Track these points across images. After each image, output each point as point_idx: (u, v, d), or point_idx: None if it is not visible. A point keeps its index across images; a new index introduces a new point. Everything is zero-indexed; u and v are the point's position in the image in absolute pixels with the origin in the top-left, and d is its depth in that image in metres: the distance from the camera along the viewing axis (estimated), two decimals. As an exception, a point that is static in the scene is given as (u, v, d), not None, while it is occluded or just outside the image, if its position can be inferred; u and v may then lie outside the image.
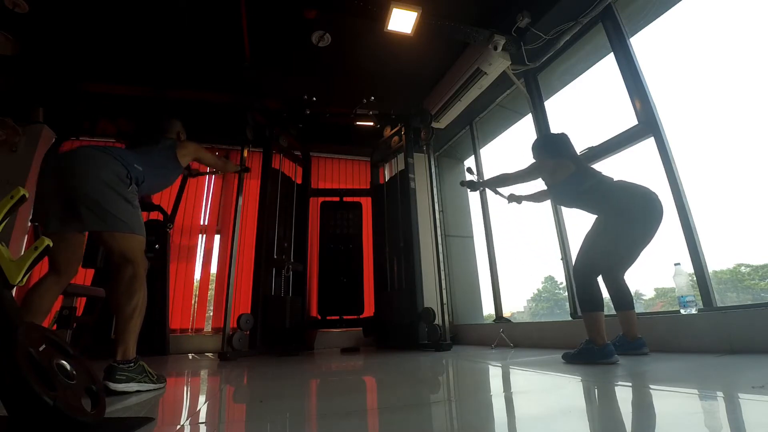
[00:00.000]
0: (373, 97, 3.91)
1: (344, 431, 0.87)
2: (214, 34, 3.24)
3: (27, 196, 0.90)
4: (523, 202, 2.55)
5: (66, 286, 1.65)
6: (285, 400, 1.30)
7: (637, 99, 2.51)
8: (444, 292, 3.53)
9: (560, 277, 5.16)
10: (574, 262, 2.03)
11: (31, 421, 0.78)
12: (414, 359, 2.49)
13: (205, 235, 4.36)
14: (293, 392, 1.48)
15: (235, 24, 3.06)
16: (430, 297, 3.74)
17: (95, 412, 0.89)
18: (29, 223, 3.49)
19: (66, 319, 2.75)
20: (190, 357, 3.47)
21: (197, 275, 4.23)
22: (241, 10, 2.93)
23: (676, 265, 2.18)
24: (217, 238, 4.41)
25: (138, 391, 1.45)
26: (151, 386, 1.51)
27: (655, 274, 2.84)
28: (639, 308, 2.37)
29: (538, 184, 2.37)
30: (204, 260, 4.29)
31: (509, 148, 4.33)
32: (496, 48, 3.03)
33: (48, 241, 0.89)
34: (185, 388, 1.75)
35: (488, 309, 4.25)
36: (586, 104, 3.49)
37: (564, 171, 2.06)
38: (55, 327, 2.76)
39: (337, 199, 4.43)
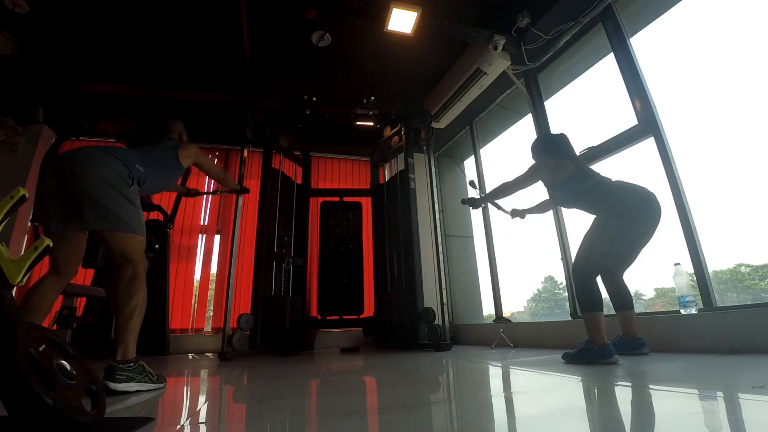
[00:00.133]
0: (373, 97, 3.91)
1: (344, 431, 0.87)
2: (214, 34, 3.24)
3: (27, 196, 0.90)
4: (526, 216, 2.53)
5: (66, 286, 1.65)
6: (285, 400, 1.30)
7: (637, 99, 2.51)
8: (444, 292, 3.53)
9: (560, 277, 5.16)
10: (573, 263, 2.03)
11: (31, 421, 0.77)
12: (414, 359, 2.49)
13: (205, 235, 4.36)
14: (293, 392, 1.48)
15: (235, 24, 3.06)
16: (430, 297, 3.74)
17: (95, 412, 0.89)
18: (29, 223, 3.49)
19: (66, 319, 2.75)
20: (190, 357, 3.47)
21: (197, 275, 4.23)
22: (241, 10, 2.93)
23: (676, 265, 2.18)
24: (217, 238, 4.41)
25: (138, 391, 1.45)
26: (151, 386, 1.51)
27: (655, 274, 2.84)
28: (639, 308, 2.37)
29: (539, 194, 2.36)
30: (204, 260, 4.30)
31: (509, 148, 4.34)
32: (496, 48, 3.03)
33: (48, 241, 0.89)
34: (185, 388, 1.75)
35: (488, 309, 4.25)
36: (586, 104, 3.49)
37: (564, 171, 2.07)
38: (55, 327, 2.76)
39: (337, 199, 4.43)
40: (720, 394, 1.08)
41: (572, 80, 3.38)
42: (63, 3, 2.84)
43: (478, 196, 2.47)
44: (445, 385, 1.59)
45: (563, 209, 3.02)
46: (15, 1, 2.73)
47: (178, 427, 0.98)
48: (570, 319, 2.84)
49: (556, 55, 3.19)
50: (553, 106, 3.38)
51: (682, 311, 2.09)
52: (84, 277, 3.59)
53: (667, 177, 2.26)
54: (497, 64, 3.17)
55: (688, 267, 2.15)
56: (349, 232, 4.31)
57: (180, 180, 3.83)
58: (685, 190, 2.21)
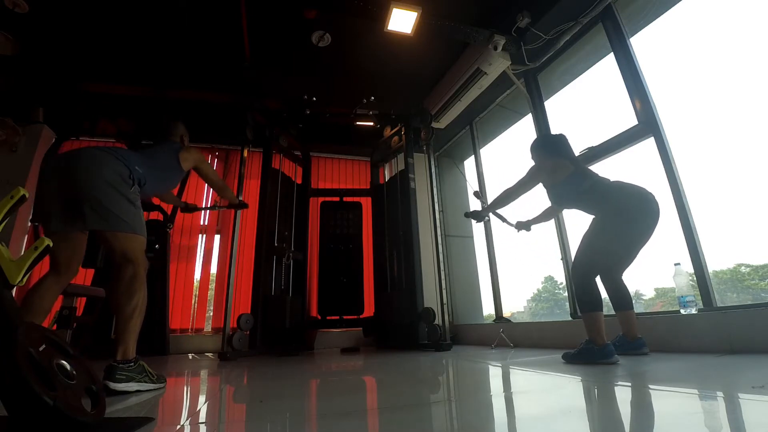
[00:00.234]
0: (373, 97, 3.91)
1: (344, 431, 0.87)
2: (214, 34, 3.24)
3: (27, 196, 0.90)
4: (532, 227, 2.50)
5: (66, 286, 1.65)
6: (285, 400, 1.30)
7: (637, 99, 2.51)
8: (444, 292, 3.53)
9: (560, 277, 5.16)
10: (572, 263, 2.03)
11: (31, 421, 0.78)
12: (414, 359, 2.49)
13: (205, 235, 4.36)
14: (293, 392, 1.48)
15: (235, 24, 3.06)
16: (430, 297, 3.74)
17: (95, 412, 0.89)
18: (29, 223, 3.49)
19: (66, 319, 2.75)
20: (190, 357, 3.47)
21: (197, 275, 4.23)
22: (241, 10, 2.93)
23: (676, 265, 2.18)
24: (217, 238, 4.41)
25: (138, 391, 1.46)
26: (151, 386, 1.51)
27: (655, 274, 2.84)
28: (639, 308, 2.37)
29: (539, 197, 2.35)
30: (204, 260, 4.30)
31: (509, 148, 4.34)
32: (496, 48, 3.03)
33: (48, 241, 0.89)
34: (185, 388, 1.75)
35: (488, 309, 4.25)
36: (586, 104, 3.49)
37: (563, 171, 2.07)
38: (55, 327, 2.76)
39: (337, 199, 4.43)
40: (720, 394, 1.08)
41: (572, 80, 3.38)
42: (63, 3, 2.84)
43: (484, 207, 2.41)
44: (445, 385, 1.59)
45: (562, 208, 3.02)
46: (15, 1, 2.73)
47: (178, 427, 0.98)
48: (570, 319, 2.84)
49: (556, 55, 3.19)
50: (553, 106, 3.38)
51: (682, 311, 2.09)
52: (84, 277, 3.59)
53: (667, 177, 2.26)
54: (497, 64, 3.17)
55: (688, 267, 2.15)
56: (349, 232, 4.31)
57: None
58: (685, 190, 2.21)
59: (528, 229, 2.51)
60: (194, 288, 4.20)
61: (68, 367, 0.89)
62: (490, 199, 2.49)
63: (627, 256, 1.99)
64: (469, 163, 4.92)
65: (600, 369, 1.60)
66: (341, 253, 4.23)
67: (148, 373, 1.53)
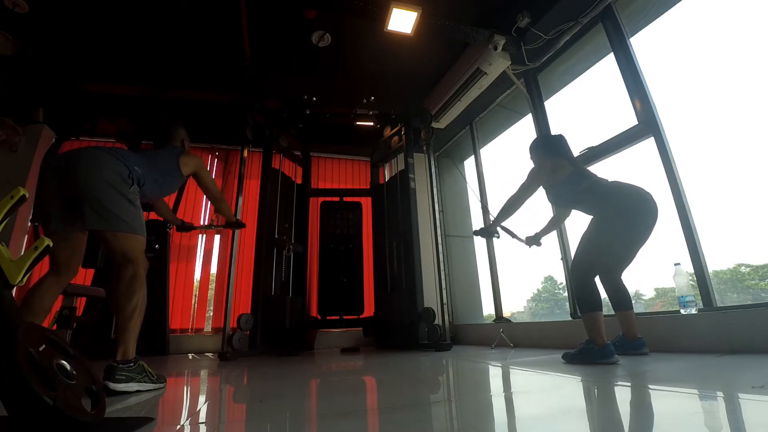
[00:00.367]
0: (373, 97, 3.91)
1: (344, 431, 0.87)
2: (214, 34, 3.24)
3: (27, 196, 0.90)
4: (542, 239, 2.46)
5: (66, 286, 1.65)
6: (285, 400, 1.30)
7: (637, 99, 2.51)
8: (444, 292, 3.53)
9: (560, 277, 5.16)
10: (571, 263, 2.03)
11: (31, 421, 0.78)
12: (414, 359, 2.49)
13: (205, 235, 4.36)
14: (293, 392, 1.48)
15: (235, 24, 3.06)
16: (430, 297, 3.74)
17: (95, 412, 0.89)
18: (29, 223, 3.48)
19: (66, 319, 2.75)
20: (190, 357, 3.47)
21: (197, 275, 4.23)
22: (241, 10, 2.93)
23: (676, 265, 2.18)
24: (217, 238, 4.41)
25: (138, 391, 1.46)
26: (151, 386, 1.51)
27: (655, 274, 2.83)
28: (639, 308, 2.37)
29: (547, 213, 2.32)
30: (204, 260, 4.30)
31: (509, 148, 4.33)
32: (496, 48, 3.03)
33: (48, 241, 0.89)
34: (185, 388, 1.75)
35: (488, 309, 4.25)
36: (586, 104, 3.49)
37: (562, 171, 2.08)
38: (55, 327, 2.76)
39: (337, 199, 4.43)
40: (720, 394, 1.08)
41: (572, 80, 3.38)
42: (63, 3, 2.84)
43: (491, 221, 2.33)
44: (445, 385, 1.59)
45: (561, 208, 3.02)
46: (15, 1, 2.73)
47: (178, 427, 0.98)
48: (570, 319, 2.84)
49: (556, 55, 3.19)
50: (553, 106, 3.38)
51: (682, 311, 2.09)
52: (84, 277, 3.59)
53: (667, 177, 2.26)
54: (497, 64, 3.17)
55: (688, 267, 2.15)
56: (349, 232, 4.31)
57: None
58: (685, 190, 2.21)
59: (539, 243, 2.45)
60: (194, 288, 4.20)
61: (68, 367, 0.89)
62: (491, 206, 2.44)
63: (626, 256, 1.99)
64: (469, 163, 4.93)
65: (600, 369, 1.60)
66: (341, 253, 4.23)
67: (148, 373, 1.53)
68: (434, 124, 4.03)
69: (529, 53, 3.18)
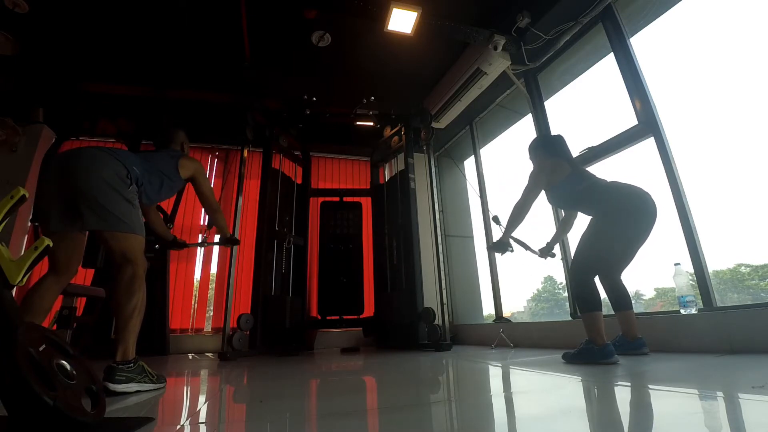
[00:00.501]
0: (373, 97, 3.91)
1: (344, 431, 0.87)
2: (214, 34, 3.24)
3: (27, 196, 0.90)
4: (555, 247, 2.43)
5: (66, 286, 1.65)
6: (285, 400, 1.30)
7: (637, 99, 2.51)
8: (444, 292, 3.53)
9: (560, 277, 5.16)
10: (570, 263, 2.03)
11: (31, 421, 0.77)
12: (414, 359, 2.49)
13: (205, 236, 4.36)
14: (293, 392, 1.48)
15: (235, 24, 3.06)
16: (430, 297, 3.74)
17: (95, 412, 0.89)
18: (29, 223, 3.48)
19: (66, 319, 2.75)
20: (190, 357, 3.47)
21: (197, 275, 4.23)
22: (241, 10, 2.93)
23: (676, 265, 2.18)
24: (217, 238, 4.39)
25: (138, 392, 1.46)
26: (151, 386, 1.51)
27: (655, 274, 2.83)
28: (639, 308, 2.36)
29: (546, 216, 2.28)
30: (204, 260, 4.30)
31: (509, 148, 4.33)
32: (496, 48, 3.03)
33: (48, 241, 0.89)
34: (185, 388, 1.75)
35: (488, 309, 4.25)
36: (586, 104, 3.49)
37: (561, 171, 2.08)
38: (55, 327, 2.76)
39: (337, 199, 4.43)
40: (720, 394, 1.08)
41: (572, 80, 3.38)
42: (63, 3, 2.84)
43: (501, 233, 2.25)
44: (445, 385, 1.59)
45: (562, 210, 3.02)
46: (15, 1, 2.73)
47: (178, 427, 0.98)
48: (570, 319, 2.84)
49: (556, 55, 3.19)
50: (553, 106, 3.38)
51: (682, 311, 2.09)
52: (84, 277, 3.59)
53: (667, 177, 2.26)
54: (497, 64, 3.17)
55: (688, 267, 2.15)
56: (349, 232, 4.31)
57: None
58: (685, 190, 2.21)
59: (553, 255, 2.43)
60: (194, 288, 4.20)
61: (68, 367, 0.89)
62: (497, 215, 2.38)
63: (625, 256, 1.99)
64: (469, 163, 4.92)
65: (600, 369, 1.60)
66: (341, 253, 4.23)
67: (148, 373, 1.53)
68: (434, 124, 4.03)
69: (529, 53, 3.18)
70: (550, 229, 3.09)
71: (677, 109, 2.53)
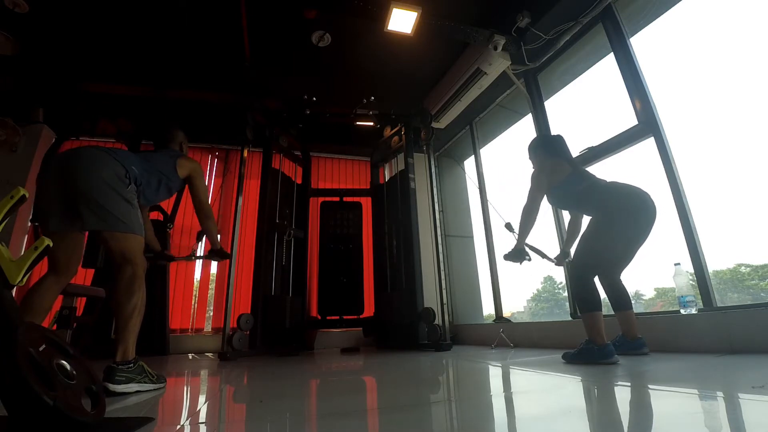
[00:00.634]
0: (373, 97, 3.91)
1: (344, 431, 0.87)
2: (214, 34, 3.24)
3: (27, 196, 0.90)
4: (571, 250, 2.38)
5: (66, 286, 1.65)
6: (285, 400, 1.30)
7: (637, 99, 2.51)
8: (444, 292, 3.53)
9: (560, 277, 5.16)
10: (570, 263, 2.03)
11: (31, 421, 0.77)
12: (414, 359, 2.49)
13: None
14: (293, 392, 1.48)
15: (235, 24, 3.06)
16: (430, 297, 3.74)
17: (95, 412, 0.89)
18: (29, 223, 3.49)
19: (66, 319, 2.75)
20: (190, 357, 3.47)
21: (197, 275, 4.23)
22: (241, 10, 2.93)
23: (676, 265, 2.18)
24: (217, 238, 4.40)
25: (138, 392, 1.46)
26: (151, 386, 1.51)
27: (655, 274, 2.83)
28: (639, 308, 2.36)
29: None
30: (204, 260, 4.29)
31: (509, 148, 4.33)
32: (496, 48, 3.03)
33: (48, 241, 0.89)
34: (185, 388, 1.75)
35: (488, 309, 4.25)
36: (586, 104, 3.49)
37: (561, 171, 2.09)
38: (55, 327, 2.76)
39: (337, 199, 4.43)
40: (720, 394, 1.08)
41: (572, 80, 3.38)
42: (63, 3, 2.84)
43: (515, 240, 2.18)
44: (445, 385, 1.59)
45: (562, 210, 3.02)
46: (15, 1, 2.73)
47: (178, 427, 0.98)
48: (570, 319, 2.84)
49: (556, 55, 3.19)
50: (553, 106, 3.38)
51: (682, 311, 2.09)
52: (84, 277, 3.59)
53: (667, 177, 2.26)
54: (497, 64, 3.17)
55: (688, 267, 2.14)
56: (349, 232, 4.31)
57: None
58: (685, 190, 2.21)
59: (570, 260, 2.39)
60: (194, 288, 4.20)
61: (68, 367, 0.89)
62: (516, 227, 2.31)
63: (625, 256, 1.99)
64: (469, 163, 4.93)
65: (600, 369, 1.60)
66: (341, 253, 4.23)
67: (148, 373, 1.53)
68: (434, 124, 4.03)
69: (529, 53, 3.18)
70: (550, 230, 3.10)
71: (677, 109, 2.54)
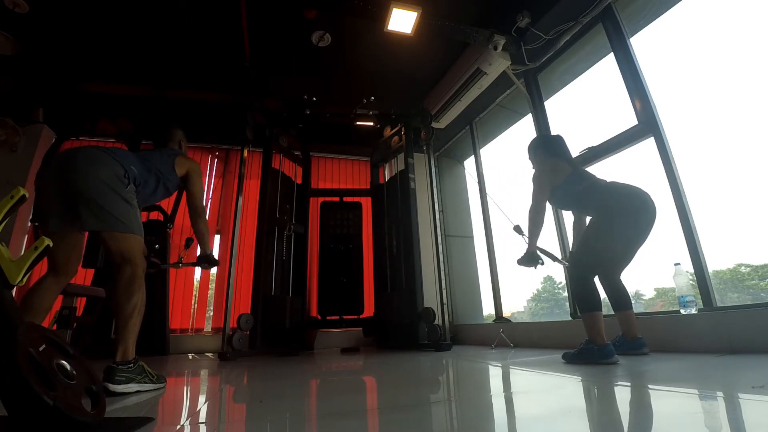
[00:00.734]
0: (373, 97, 3.91)
1: (344, 431, 0.87)
2: (214, 34, 3.24)
3: (27, 196, 0.90)
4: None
5: (66, 286, 1.65)
6: (285, 400, 1.30)
7: (637, 99, 2.51)
8: (444, 292, 3.53)
9: (560, 277, 5.16)
10: (570, 264, 2.03)
11: (31, 421, 0.77)
12: (414, 359, 2.49)
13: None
14: (293, 392, 1.48)
15: (235, 24, 3.06)
16: (430, 297, 3.74)
17: (95, 412, 0.89)
18: (29, 223, 3.49)
19: (66, 319, 2.75)
20: (190, 357, 3.47)
21: (197, 275, 4.23)
22: (241, 10, 2.93)
23: (676, 265, 2.18)
24: (217, 238, 4.41)
25: (138, 392, 1.46)
26: (151, 386, 1.51)
27: (655, 274, 2.83)
28: (639, 308, 2.36)
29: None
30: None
31: (509, 148, 4.34)
32: (496, 48, 3.03)
33: (48, 241, 0.89)
34: (185, 388, 1.75)
35: (488, 309, 4.25)
36: (586, 104, 3.49)
37: (561, 171, 2.09)
38: (55, 327, 2.76)
39: (337, 199, 4.43)
40: (720, 394, 1.08)
41: (572, 80, 3.38)
42: (63, 3, 2.84)
43: (526, 243, 2.13)
44: (445, 385, 1.59)
45: (563, 210, 3.02)
46: (15, 1, 2.73)
47: (178, 427, 0.98)
48: (570, 319, 2.84)
49: (556, 55, 3.19)
50: (553, 106, 3.38)
51: (682, 311, 2.09)
52: (84, 277, 3.59)
53: (667, 177, 2.26)
54: (497, 64, 3.17)
55: (688, 267, 2.14)
56: (349, 232, 4.31)
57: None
58: (685, 190, 2.21)
59: None
60: (194, 288, 4.20)
61: (68, 367, 0.89)
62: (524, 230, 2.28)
63: (625, 256, 1.99)
64: (469, 163, 4.93)
65: (600, 369, 1.60)
66: (341, 253, 4.23)
67: (148, 373, 1.53)
68: (434, 124, 4.03)
69: (529, 53, 3.18)
70: (550, 230, 3.10)
71: (677, 109, 2.54)
